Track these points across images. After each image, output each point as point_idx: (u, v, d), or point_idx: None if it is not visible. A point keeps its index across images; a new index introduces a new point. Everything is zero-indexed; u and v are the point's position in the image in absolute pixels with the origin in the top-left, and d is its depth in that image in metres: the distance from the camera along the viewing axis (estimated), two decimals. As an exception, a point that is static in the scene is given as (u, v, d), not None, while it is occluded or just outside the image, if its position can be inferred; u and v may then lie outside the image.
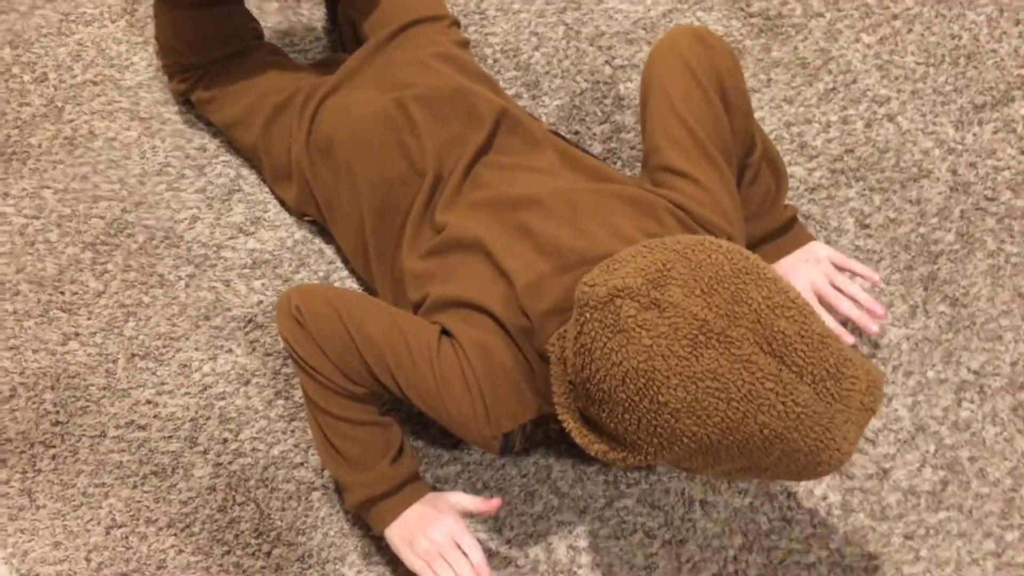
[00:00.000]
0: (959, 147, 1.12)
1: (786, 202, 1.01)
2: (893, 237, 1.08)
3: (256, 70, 1.12)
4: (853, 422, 0.70)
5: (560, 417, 0.80)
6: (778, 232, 0.99)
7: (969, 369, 1.01)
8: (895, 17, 1.22)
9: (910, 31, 1.21)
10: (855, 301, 0.96)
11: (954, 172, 1.11)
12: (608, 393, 0.71)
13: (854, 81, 1.18)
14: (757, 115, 1.16)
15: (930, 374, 1.01)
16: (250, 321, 1.09)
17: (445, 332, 0.87)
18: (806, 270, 0.98)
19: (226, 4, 1.09)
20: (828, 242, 1.08)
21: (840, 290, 0.97)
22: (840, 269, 0.98)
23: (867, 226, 1.09)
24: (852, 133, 1.15)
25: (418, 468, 0.95)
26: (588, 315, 0.70)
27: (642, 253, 0.72)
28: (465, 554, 0.90)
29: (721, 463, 0.73)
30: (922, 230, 1.08)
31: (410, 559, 0.91)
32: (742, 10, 1.24)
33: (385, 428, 0.92)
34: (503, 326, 0.85)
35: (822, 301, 0.97)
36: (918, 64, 1.18)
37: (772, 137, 1.15)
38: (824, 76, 1.18)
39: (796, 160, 1.14)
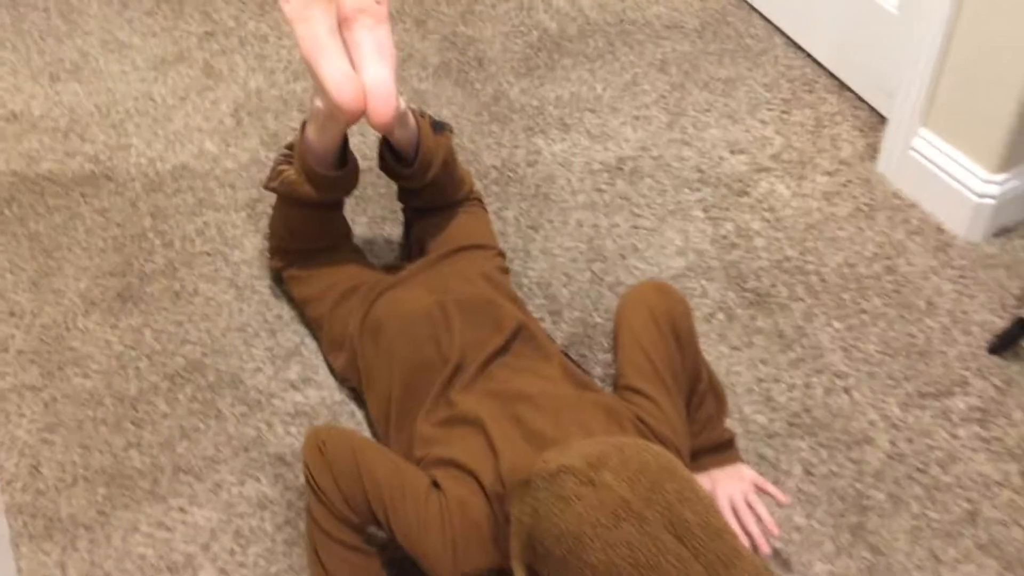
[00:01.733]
0: (901, 424, 1.31)
1: (726, 427, 1.21)
2: (832, 487, 1.25)
3: (340, 261, 1.40)
4: None
5: (512, 566, 0.96)
6: (715, 449, 1.18)
7: (880, 612, 1.14)
8: (863, 311, 1.45)
9: (875, 324, 1.43)
10: (760, 519, 1.14)
11: (893, 444, 1.29)
12: (548, 549, 0.89)
13: (820, 356, 1.39)
14: (736, 370, 1.38)
15: (845, 610, 1.14)
16: (280, 459, 1.30)
17: (436, 485, 1.06)
18: (730, 484, 1.17)
19: (331, 211, 1.40)
20: (775, 481, 1.25)
21: (751, 506, 1.14)
22: (759, 490, 1.16)
23: (812, 474, 1.26)
24: (812, 396, 1.34)
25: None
26: (540, 484, 0.89)
27: (590, 443, 0.91)
28: None
29: None
30: (858, 486, 1.25)
31: None
32: (739, 285, 1.49)
33: (368, 556, 1.10)
34: (484, 490, 1.04)
35: (734, 512, 1.14)
36: (877, 351, 1.39)
37: (745, 389, 1.35)
38: (796, 347, 1.40)
39: (761, 410, 1.33)
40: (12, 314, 1.51)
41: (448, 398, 1.15)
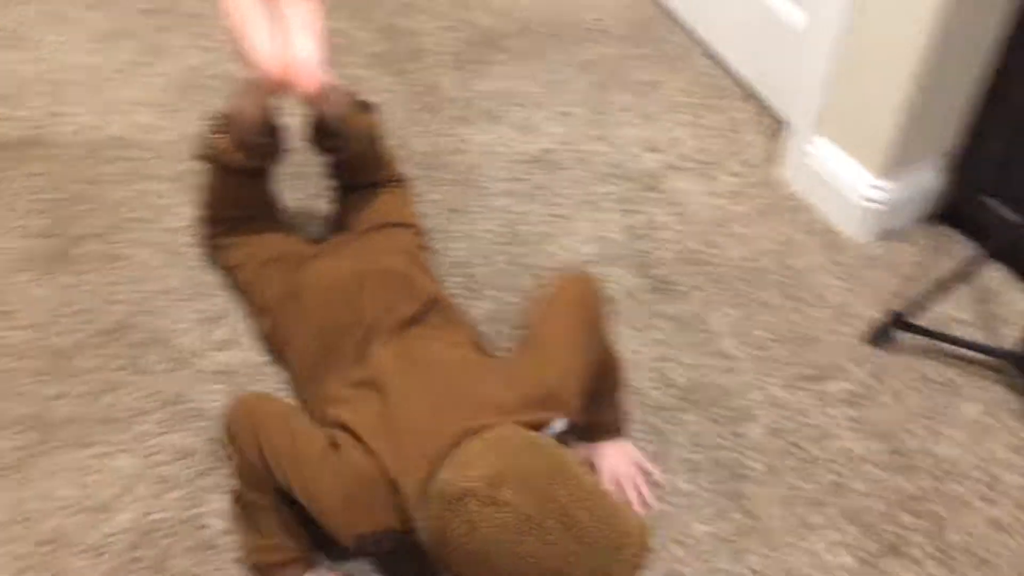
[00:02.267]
0: (782, 403, 1.43)
1: (621, 407, 1.32)
2: (715, 457, 1.36)
3: (265, 231, 1.47)
4: (626, 571, 0.95)
5: (427, 546, 1.01)
6: (608, 428, 1.32)
7: (750, 568, 1.25)
8: (756, 301, 1.57)
9: (766, 314, 1.55)
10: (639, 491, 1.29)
11: (773, 422, 1.41)
12: (457, 560, 0.96)
13: (714, 340, 1.51)
14: (636, 349, 1.48)
15: (720, 565, 1.25)
16: (202, 413, 1.37)
17: (336, 445, 1.13)
18: (616, 459, 1.31)
19: (259, 180, 1.46)
20: (663, 451, 1.36)
21: (635, 482, 1.30)
22: (639, 467, 1.30)
23: (698, 444, 1.38)
24: (704, 376, 1.46)
25: (308, 551, 1.18)
26: (444, 507, 0.95)
27: (484, 456, 0.97)
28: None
29: None
30: (739, 457, 1.36)
31: None
32: (644, 273, 1.60)
33: (280, 511, 1.16)
34: (376, 455, 1.09)
35: (618, 484, 1.29)
36: (766, 338, 1.52)
37: (644, 366, 1.46)
38: (693, 331, 1.52)
39: (657, 386, 1.44)
40: (-57, 268, 1.55)
41: (358, 360, 1.23)
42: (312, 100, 1.27)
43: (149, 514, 1.27)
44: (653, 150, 1.83)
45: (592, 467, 1.33)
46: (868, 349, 1.51)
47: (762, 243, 1.67)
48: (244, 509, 1.17)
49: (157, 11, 2.07)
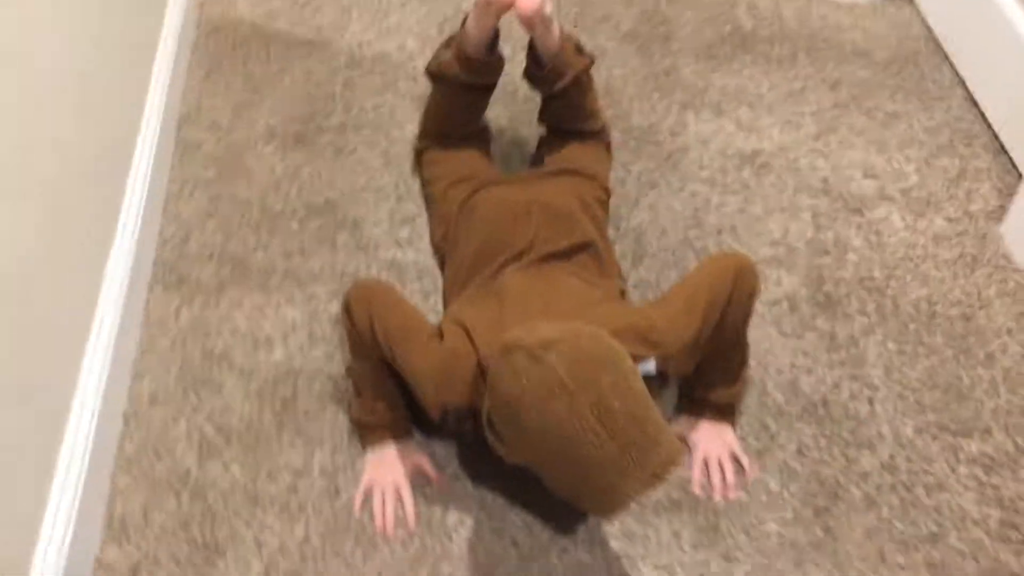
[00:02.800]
0: (908, 444, 1.37)
1: (736, 389, 1.33)
2: (816, 471, 1.34)
3: (467, 153, 1.61)
4: (641, 481, 0.99)
5: (483, 412, 1.11)
6: (716, 408, 1.34)
7: (810, 582, 1.23)
8: (922, 343, 1.50)
9: (927, 358, 1.48)
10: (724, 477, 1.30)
11: (892, 457, 1.35)
12: (498, 411, 1.05)
13: (861, 366, 1.47)
14: (776, 352, 1.47)
15: (779, 565, 1.24)
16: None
17: (441, 336, 1.23)
18: (712, 441, 1.32)
19: (474, 98, 1.59)
20: (767, 450, 1.36)
21: (721, 465, 1.30)
22: (733, 455, 1.29)
23: (803, 455, 1.36)
24: (836, 395, 1.43)
25: (408, 422, 1.31)
26: (500, 355, 1.04)
27: (553, 327, 1.04)
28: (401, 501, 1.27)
29: (548, 470, 1.05)
30: (841, 479, 1.33)
31: (363, 481, 1.28)
32: (815, 285, 1.58)
33: (380, 371, 1.29)
34: (477, 351, 1.18)
35: (706, 465, 1.29)
36: (917, 380, 1.45)
37: (776, 369, 1.45)
38: (842, 352, 1.48)
39: (783, 390, 1.43)
40: (212, 125, 1.84)
41: (499, 273, 1.34)
42: (529, 24, 1.38)
43: (295, 359, 1.45)
44: (872, 177, 1.78)
45: (686, 442, 1.35)
46: (1026, 421, 1.40)
47: (952, 292, 1.58)
48: (352, 375, 1.32)
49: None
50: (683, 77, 1.99)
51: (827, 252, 1.64)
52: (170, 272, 1.57)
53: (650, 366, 1.15)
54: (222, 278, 1.56)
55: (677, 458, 1.00)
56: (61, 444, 1.22)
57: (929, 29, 2.13)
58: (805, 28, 2.12)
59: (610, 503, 1.02)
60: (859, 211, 1.72)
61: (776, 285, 1.58)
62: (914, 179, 1.78)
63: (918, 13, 2.18)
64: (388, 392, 1.30)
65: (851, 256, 1.64)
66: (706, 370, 1.31)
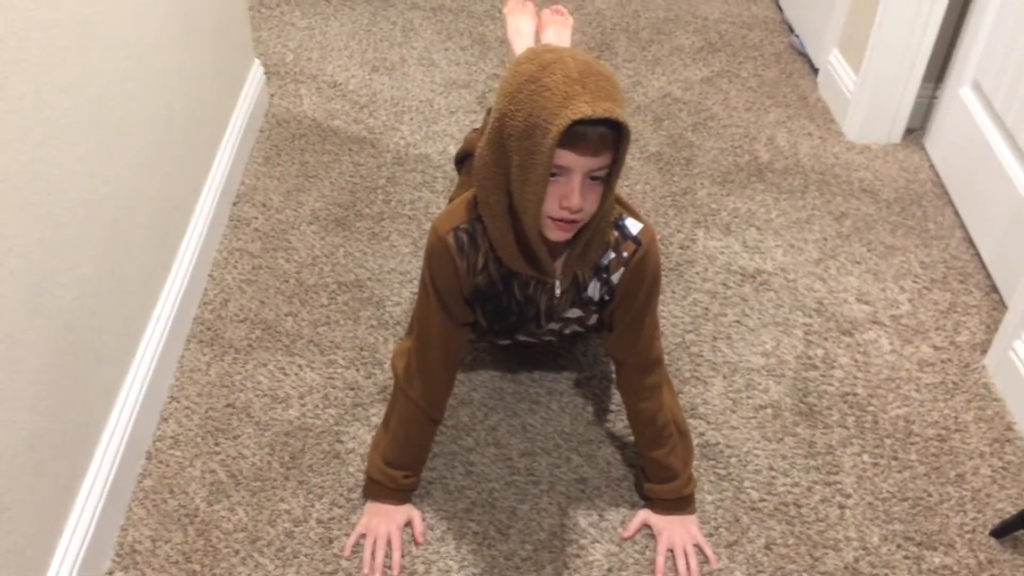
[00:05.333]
0: (872, 551, 1.44)
1: (690, 477, 1.43)
2: (781, 567, 1.41)
3: None
4: (589, 104, 1.06)
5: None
6: (676, 501, 1.43)
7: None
8: (896, 458, 1.59)
9: (900, 472, 1.56)
10: (688, 565, 1.38)
11: (856, 561, 1.42)
12: (496, 98, 1.17)
13: (835, 473, 1.55)
14: (756, 453, 1.57)
15: (736, 653, 1.31)
16: (380, 364, 1.67)
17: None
18: (677, 531, 1.41)
19: None
20: (736, 543, 1.44)
21: (686, 554, 1.39)
22: (696, 545, 1.39)
23: (770, 550, 1.43)
24: (808, 498, 1.51)
25: (414, 488, 1.43)
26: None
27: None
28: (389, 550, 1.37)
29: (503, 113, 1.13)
30: (805, 575, 1.40)
31: (360, 525, 1.40)
32: (799, 396, 1.68)
33: (421, 445, 1.42)
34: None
35: (672, 553, 1.40)
36: (888, 491, 1.53)
37: (754, 469, 1.54)
38: (818, 459, 1.57)
39: (758, 490, 1.52)
40: (264, 204, 2.03)
41: None
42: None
43: (308, 417, 1.58)
44: (866, 302, 1.90)
45: (651, 531, 1.44)
46: (988, 539, 1.47)
47: (931, 414, 1.67)
48: (395, 399, 1.41)
49: (500, 76, 2.50)
50: (698, 198, 2.14)
51: (815, 367, 1.75)
52: (207, 330, 1.73)
53: (636, 228, 1.30)
54: (252, 340, 1.71)
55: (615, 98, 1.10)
56: (87, 470, 1.35)
57: (936, 174, 2.27)
58: (818, 164, 2.28)
59: (557, 110, 1.08)
60: (850, 332, 1.83)
61: (763, 392, 1.68)
62: (906, 307, 1.89)
63: (927, 159, 2.33)
64: (416, 436, 1.40)
65: (837, 372, 1.74)
66: (654, 469, 1.42)
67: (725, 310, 1.85)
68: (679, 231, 2.04)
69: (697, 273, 1.93)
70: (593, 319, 1.41)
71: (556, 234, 1.20)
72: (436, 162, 2.19)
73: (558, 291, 1.34)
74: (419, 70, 2.53)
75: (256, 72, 2.27)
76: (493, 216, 1.23)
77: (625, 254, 1.32)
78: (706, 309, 1.85)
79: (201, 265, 1.80)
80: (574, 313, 1.39)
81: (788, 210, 2.13)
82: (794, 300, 1.89)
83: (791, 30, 2.80)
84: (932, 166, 2.30)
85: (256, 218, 1.99)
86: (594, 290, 1.35)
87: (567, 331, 1.45)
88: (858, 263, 1.99)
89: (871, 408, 1.67)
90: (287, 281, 1.84)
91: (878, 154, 2.33)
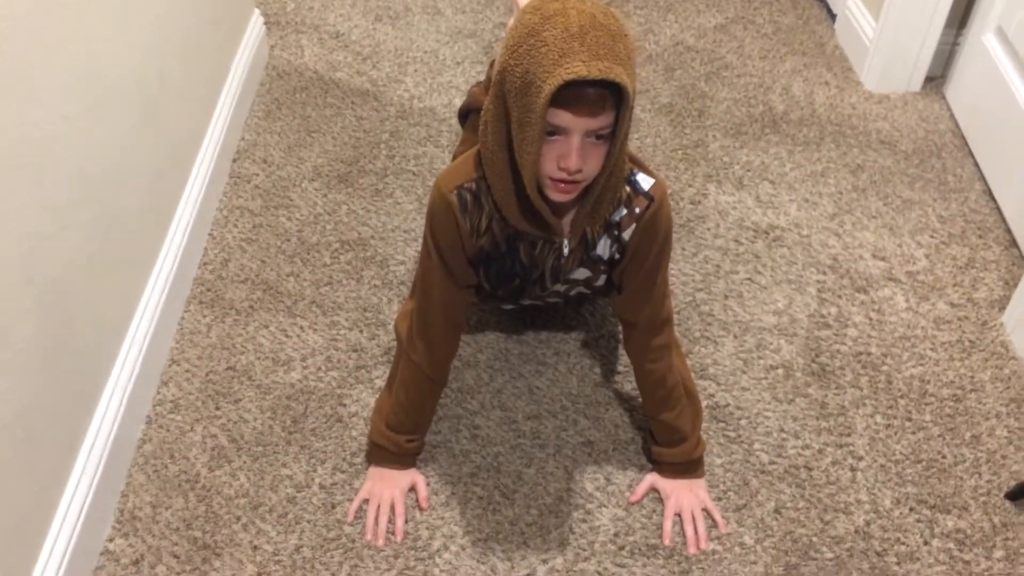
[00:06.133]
0: (884, 513, 1.41)
1: (698, 440, 1.40)
2: (791, 531, 1.39)
3: None
4: (584, 64, 1.00)
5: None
6: (684, 464, 1.40)
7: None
8: (909, 419, 1.55)
9: (913, 433, 1.53)
10: (696, 530, 1.36)
11: (867, 524, 1.40)
12: (504, 49, 1.10)
13: (848, 435, 1.52)
14: (766, 414, 1.54)
15: (744, 619, 1.29)
16: (384, 325, 1.64)
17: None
18: (685, 495, 1.39)
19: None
20: (746, 506, 1.41)
21: (694, 518, 1.36)
22: (704, 509, 1.36)
23: (780, 513, 1.41)
24: (819, 460, 1.48)
25: (418, 452, 1.41)
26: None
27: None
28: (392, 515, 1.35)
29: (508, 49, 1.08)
30: (814, 539, 1.38)
31: (363, 490, 1.37)
32: (811, 355, 1.64)
33: (424, 409, 1.39)
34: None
35: (679, 516, 1.37)
36: (901, 453, 1.50)
37: (764, 431, 1.51)
38: (830, 420, 1.54)
39: (768, 452, 1.49)
40: (265, 161, 1.98)
41: None
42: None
43: (311, 380, 1.56)
44: (881, 258, 1.85)
45: (659, 495, 1.41)
46: (1004, 503, 1.43)
47: (946, 374, 1.63)
48: (398, 362, 1.38)
49: (506, 24, 2.43)
50: (710, 151, 2.08)
51: (828, 326, 1.71)
52: (207, 291, 1.70)
53: (648, 183, 1.26)
54: (253, 301, 1.68)
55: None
56: (85, 434, 1.33)
57: (956, 125, 2.20)
58: (835, 114, 2.21)
59: (553, 68, 1.03)
60: (864, 290, 1.78)
61: (774, 352, 1.65)
62: (922, 263, 1.84)
63: (947, 109, 2.25)
64: (419, 397, 1.37)
65: (851, 331, 1.70)
66: (662, 431, 1.39)
67: (737, 267, 1.81)
68: (690, 185, 1.99)
69: (708, 229, 1.89)
70: (601, 279, 1.37)
71: (557, 195, 1.16)
72: (441, 115, 2.14)
73: (566, 250, 1.29)
74: (424, 19, 2.46)
75: (256, 23, 2.21)
76: (497, 174, 1.19)
77: (637, 210, 1.27)
78: (717, 266, 1.81)
79: (200, 224, 1.76)
80: (581, 274, 1.35)
81: (803, 163, 2.07)
82: (808, 257, 1.84)
83: (808, -26, 2.71)
84: (952, 116, 2.23)
85: (257, 175, 1.95)
86: (604, 248, 1.31)
87: (572, 292, 1.41)
88: (874, 218, 1.94)
89: (885, 368, 1.63)
90: (288, 240, 1.80)
91: (896, 104, 2.26)
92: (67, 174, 1.26)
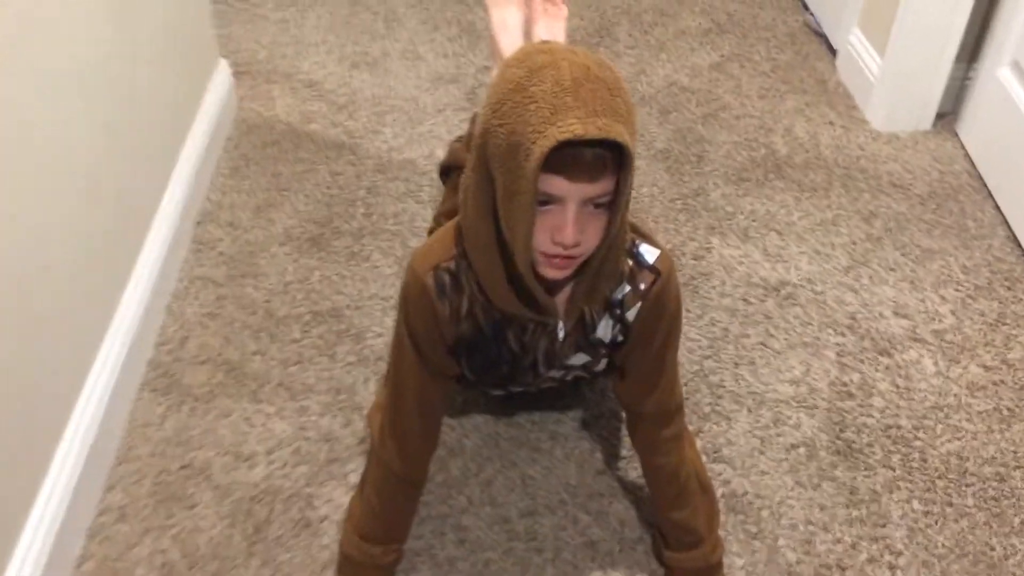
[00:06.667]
0: (930, 620, 1.25)
1: (717, 541, 1.24)
2: (825, 644, 1.22)
3: None
4: (580, 121, 0.87)
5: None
6: (702, 570, 1.24)
7: None
8: (950, 504, 1.39)
9: (956, 521, 1.37)
10: None
11: (911, 633, 1.23)
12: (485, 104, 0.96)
13: (883, 525, 1.35)
14: (790, 504, 1.37)
15: None
16: (359, 410, 1.48)
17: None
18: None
19: None
20: (772, 614, 1.24)
21: None
22: None
23: (811, 624, 1.24)
24: (853, 558, 1.31)
25: (396, 563, 1.24)
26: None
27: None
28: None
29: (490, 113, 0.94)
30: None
31: None
32: (835, 431, 1.48)
33: (400, 515, 1.22)
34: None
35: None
36: (945, 546, 1.33)
37: (790, 524, 1.35)
38: (862, 508, 1.37)
39: (795, 549, 1.32)
40: (231, 223, 1.82)
41: None
42: None
43: (276, 477, 1.39)
44: (904, 316, 1.69)
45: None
46: (1064, 603, 1.27)
47: (986, 448, 1.47)
48: (370, 461, 1.23)
49: (492, 69, 2.29)
50: (712, 199, 1.93)
51: (851, 395, 1.54)
52: (163, 375, 1.53)
53: (653, 256, 1.13)
54: (214, 385, 1.51)
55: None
56: (14, 551, 1.16)
57: (972, 164, 2.06)
58: (842, 156, 2.07)
59: (545, 126, 0.89)
60: (888, 352, 1.62)
61: (794, 428, 1.48)
62: (949, 321, 1.68)
63: (961, 147, 2.11)
64: (388, 517, 1.21)
65: (876, 401, 1.54)
66: (675, 533, 1.23)
67: (747, 330, 1.65)
68: (692, 238, 1.83)
69: (714, 287, 1.73)
70: (602, 364, 1.21)
71: (550, 272, 1.01)
72: (422, 168, 1.99)
73: (561, 334, 1.13)
74: (403, 64, 2.32)
75: (222, 73, 2.06)
76: (480, 250, 1.03)
77: (642, 286, 1.12)
78: (725, 330, 1.65)
79: (157, 297, 1.60)
80: (580, 359, 1.19)
81: (811, 210, 1.92)
82: (823, 316, 1.68)
83: (805, 7, 2.58)
84: (967, 155, 2.08)
85: (222, 240, 1.79)
86: (605, 330, 1.15)
87: (569, 378, 1.25)
88: (892, 270, 1.78)
89: (918, 443, 1.47)
90: (255, 313, 1.64)
91: (907, 143, 2.12)
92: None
